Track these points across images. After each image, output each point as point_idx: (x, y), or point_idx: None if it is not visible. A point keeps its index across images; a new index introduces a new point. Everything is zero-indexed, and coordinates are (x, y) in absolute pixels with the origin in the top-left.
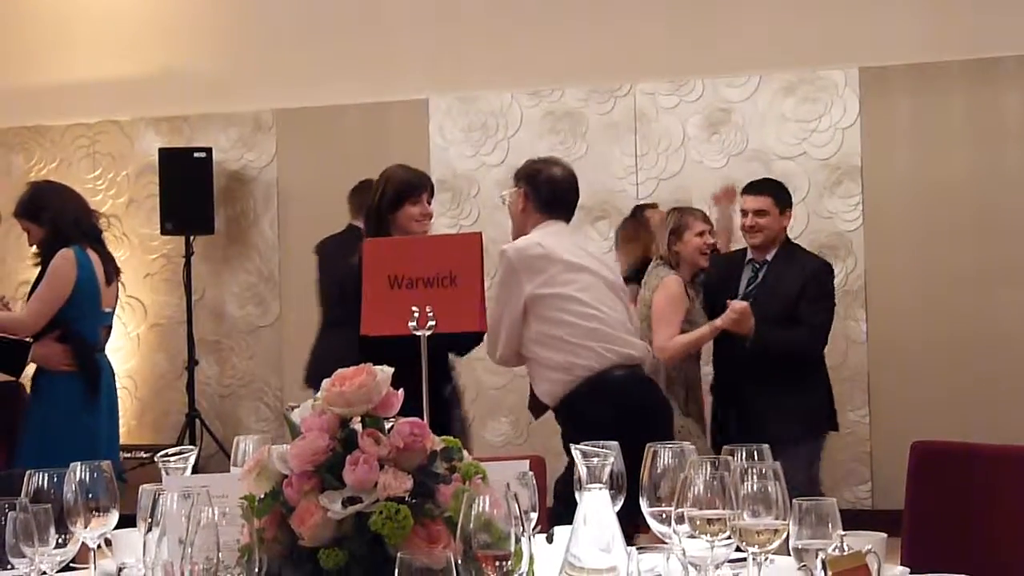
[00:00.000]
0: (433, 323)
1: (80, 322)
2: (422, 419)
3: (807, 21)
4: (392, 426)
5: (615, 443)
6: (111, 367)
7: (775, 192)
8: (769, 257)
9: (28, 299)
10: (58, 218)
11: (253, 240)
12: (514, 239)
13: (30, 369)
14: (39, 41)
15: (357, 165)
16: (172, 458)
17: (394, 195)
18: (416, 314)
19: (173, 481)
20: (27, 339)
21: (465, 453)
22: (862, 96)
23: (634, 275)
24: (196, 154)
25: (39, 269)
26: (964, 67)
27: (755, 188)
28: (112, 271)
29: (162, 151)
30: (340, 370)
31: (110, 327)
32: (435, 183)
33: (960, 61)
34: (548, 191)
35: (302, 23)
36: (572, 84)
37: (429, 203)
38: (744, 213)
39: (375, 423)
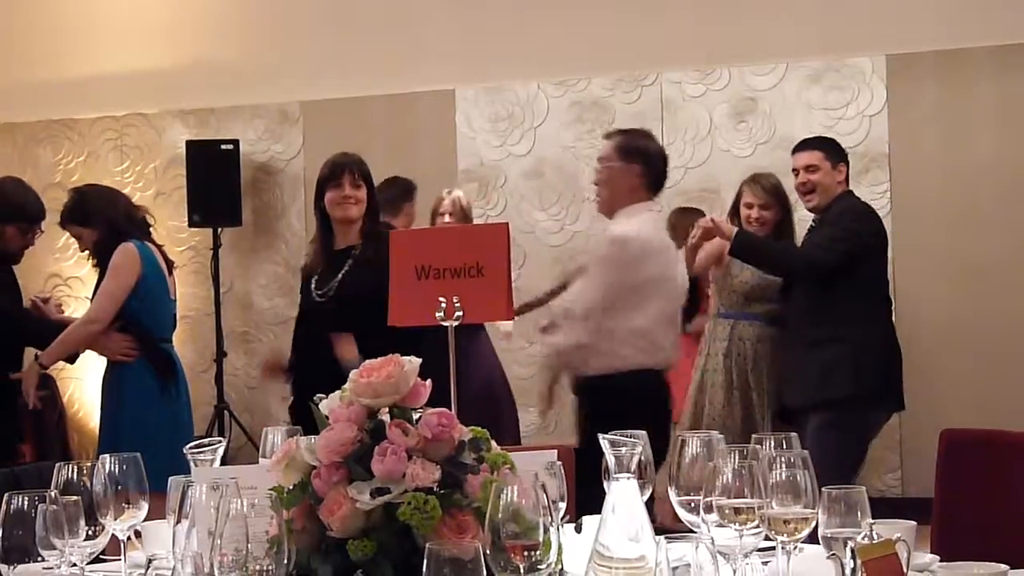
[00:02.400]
0: (460, 314)
1: (144, 313)
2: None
3: (834, 8)
4: (420, 417)
5: (643, 432)
6: (177, 357)
7: (825, 146)
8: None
9: (91, 300)
10: (109, 217)
11: (280, 231)
12: (608, 212)
13: (91, 360)
14: (66, 35)
15: (384, 156)
16: (201, 450)
17: (320, 181)
18: (443, 304)
19: (202, 473)
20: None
21: (493, 443)
22: (889, 83)
23: None
24: (223, 146)
25: (98, 272)
26: (991, 53)
27: (804, 145)
28: (168, 262)
29: (189, 143)
30: (368, 361)
31: (175, 316)
32: (461, 173)
33: (987, 47)
34: (661, 169)
35: (328, 14)
36: (598, 73)
37: (354, 186)
38: (795, 172)
39: (403, 414)
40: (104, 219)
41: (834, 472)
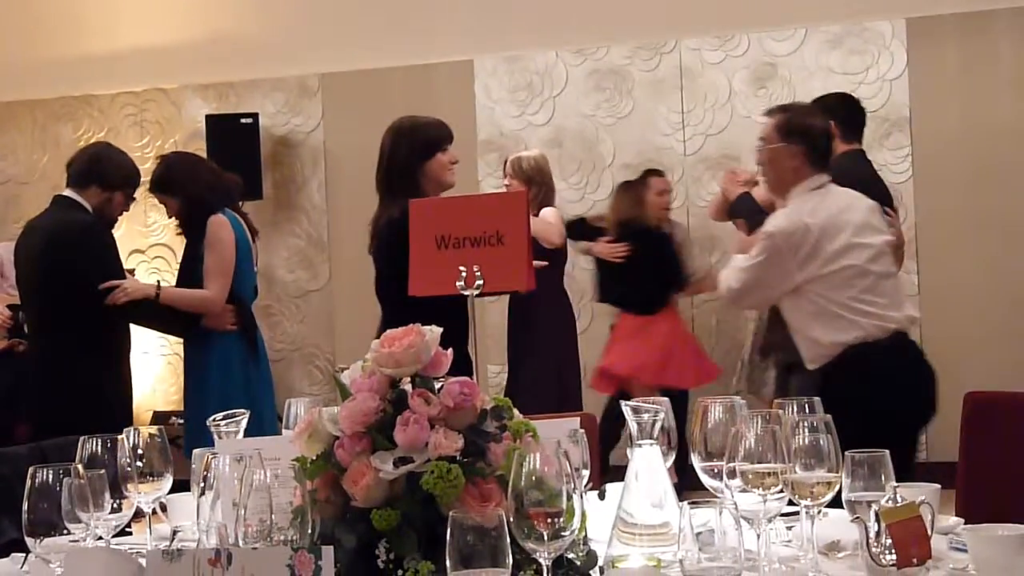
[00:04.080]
0: (481, 282)
1: (239, 283)
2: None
3: None
4: (442, 386)
5: (666, 399)
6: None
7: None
8: None
9: (179, 270)
10: (191, 187)
11: (301, 204)
12: (778, 193)
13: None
14: (85, 10)
15: None
16: (224, 422)
17: (424, 145)
18: (464, 274)
19: (226, 445)
20: None
21: (516, 411)
22: (909, 47)
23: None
24: (243, 120)
25: (185, 240)
26: (1012, 14)
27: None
28: (253, 229)
29: (209, 118)
30: (389, 331)
31: (256, 285)
32: (481, 143)
33: (1008, 8)
34: (825, 145)
35: None
36: (617, 42)
37: None
38: None
39: (425, 383)
40: (184, 189)
41: None
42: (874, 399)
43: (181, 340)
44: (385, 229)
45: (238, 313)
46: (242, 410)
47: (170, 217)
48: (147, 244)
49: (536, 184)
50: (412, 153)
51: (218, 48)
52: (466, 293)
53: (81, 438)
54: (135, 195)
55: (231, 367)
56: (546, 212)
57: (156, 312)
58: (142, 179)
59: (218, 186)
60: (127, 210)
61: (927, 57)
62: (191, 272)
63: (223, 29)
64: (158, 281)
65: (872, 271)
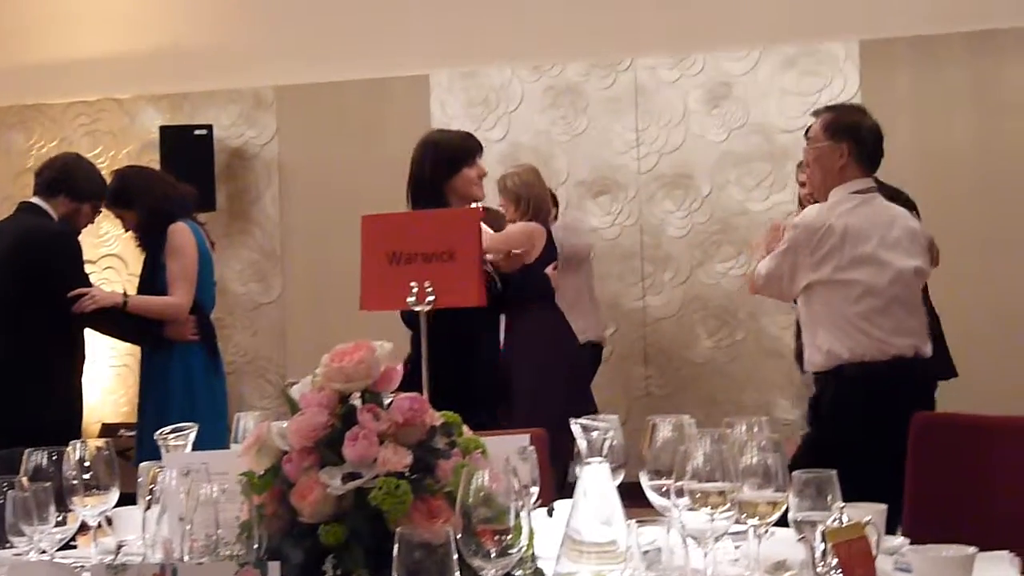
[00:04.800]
0: (432, 298)
1: (199, 292)
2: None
3: None
4: (391, 401)
5: (615, 417)
6: None
7: None
8: None
9: (140, 283)
10: (149, 199)
11: (255, 217)
12: (820, 193)
13: None
14: (38, 18)
15: (358, 141)
16: (172, 435)
17: (450, 160)
18: (415, 289)
19: (173, 458)
20: None
21: (465, 428)
22: (863, 69)
23: None
24: (197, 131)
25: (144, 252)
26: (965, 39)
27: None
28: (210, 240)
29: (163, 128)
30: (339, 346)
31: (215, 296)
32: None
33: (961, 33)
34: (873, 145)
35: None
36: (573, 59)
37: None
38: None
39: (374, 398)
40: (145, 201)
41: None
42: (864, 420)
43: (132, 351)
44: None
45: (199, 323)
46: (190, 423)
47: (127, 231)
48: (98, 255)
49: (525, 200)
50: (438, 168)
51: (173, 59)
52: (417, 309)
53: (27, 450)
54: (101, 208)
55: (193, 378)
56: (512, 228)
57: (122, 320)
58: None
59: (175, 197)
60: (92, 222)
61: (880, 80)
62: (152, 282)
63: (178, 40)
64: (124, 289)
65: (887, 293)
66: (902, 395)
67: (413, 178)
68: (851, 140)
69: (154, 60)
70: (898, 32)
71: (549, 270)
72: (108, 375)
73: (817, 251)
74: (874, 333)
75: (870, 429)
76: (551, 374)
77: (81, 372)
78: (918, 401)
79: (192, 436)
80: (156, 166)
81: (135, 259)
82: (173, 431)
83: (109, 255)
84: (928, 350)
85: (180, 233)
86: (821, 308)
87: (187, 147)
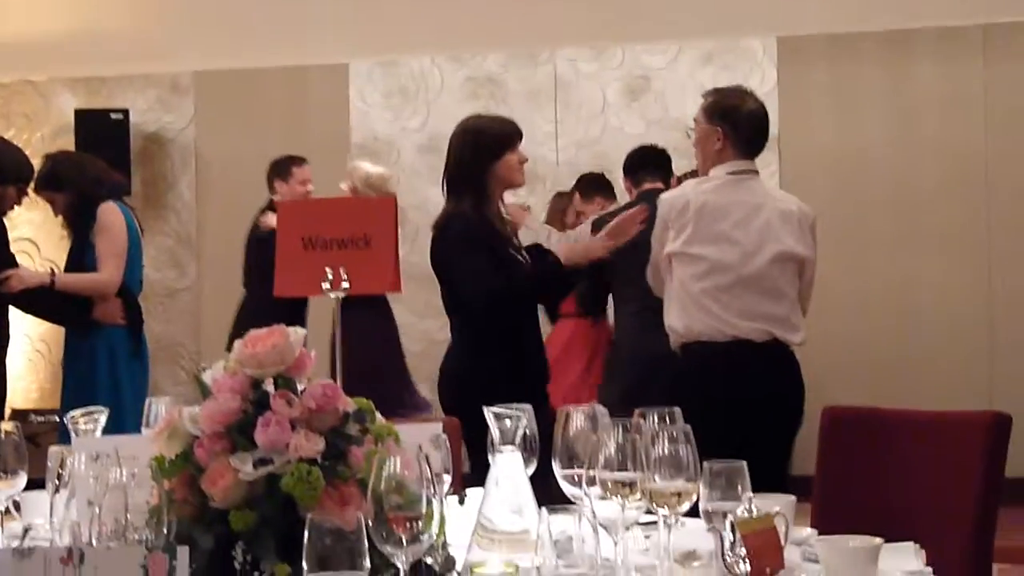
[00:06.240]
0: (347, 285)
1: (128, 273)
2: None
3: None
4: (305, 388)
5: (528, 405)
6: None
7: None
8: None
9: (67, 260)
10: (80, 182)
11: (170, 203)
12: (702, 174)
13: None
14: None
15: (276, 128)
16: (82, 419)
17: (492, 146)
18: (330, 275)
19: (82, 442)
20: None
21: (378, 415)
22: (780, 65)
23: None
24: (113, 115)
25: (73, 234)
26: (881, 38)
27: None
28: (140, 225)
29: (78, 112)
30: (253, 331)
31: (142, 279)
32: (355, 147)
33: (877, 32)
34: (750, 131)
35: None
36: (493, 49)
37: None
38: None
39: (287, 384)
40: (73, 185)
41: None
42: (702, 401)
43: (44, 337)
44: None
45: (126, 306)
46: (101, 407)
47: (57, 215)
48: (11, 239)
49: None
50: (480, 154)
51: (89, 41)
52: (331, 295)
53: None
54: (27, 191)
55: (117, 361)
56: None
57: (49, 300)
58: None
59: (107, 181)
60: (19, 204)
61: (797, 76)
62: (80, 262)
63: (95, 22)
64: (51, 267)
65: (734, 272)
66: (739, 380)
67: (453, 166)
68: (727, 124)
69: (70, 42)
70: (815, 29)
71: None
72: (19, 362)
73: (675, 224)
74: (714, 311)
75: (709, 410)
76: None
77: (4, 354)
78: (769, 389)
79: (103, 420)
80: (71, 149)
81: (49, 243)
82: (84, 414)
83: (22, 239)
84: (795, 339)
85: (109, 212)
86: (673, 284)
87: (103, 131)
